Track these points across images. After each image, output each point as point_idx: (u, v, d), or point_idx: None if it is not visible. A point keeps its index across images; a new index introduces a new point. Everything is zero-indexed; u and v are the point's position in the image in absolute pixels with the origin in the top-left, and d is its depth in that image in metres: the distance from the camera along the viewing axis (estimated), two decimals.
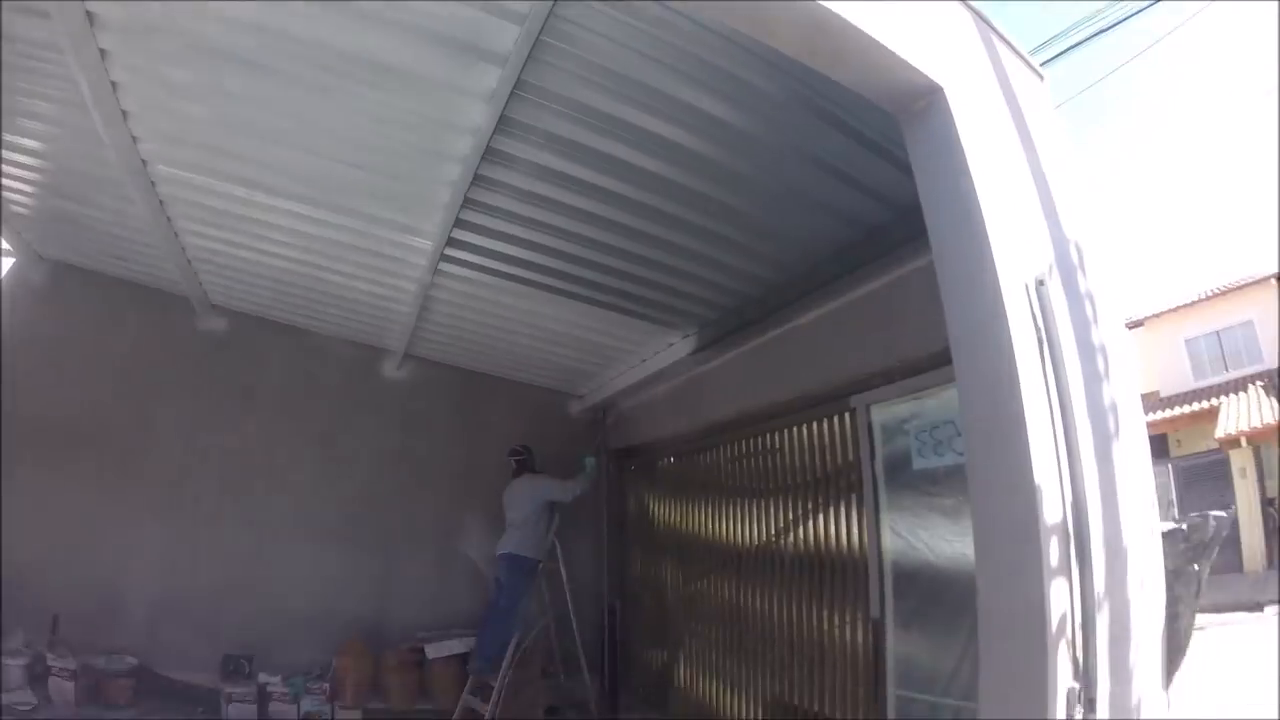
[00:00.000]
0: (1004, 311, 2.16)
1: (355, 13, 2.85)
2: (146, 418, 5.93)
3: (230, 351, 6.36)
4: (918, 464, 3.76)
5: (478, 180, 3.76)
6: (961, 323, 2.31)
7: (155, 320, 6.15)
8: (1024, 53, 3.06)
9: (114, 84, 3.44)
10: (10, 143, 4.26)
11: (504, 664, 5.59)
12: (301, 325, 6.52)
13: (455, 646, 6.09)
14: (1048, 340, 2.25)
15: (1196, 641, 3.03)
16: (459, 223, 4.21)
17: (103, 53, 3.21)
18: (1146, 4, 5.27)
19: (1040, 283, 2.32)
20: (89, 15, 2.99)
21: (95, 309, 6.02)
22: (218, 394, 6.21)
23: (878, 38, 2.25)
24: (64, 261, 6.00)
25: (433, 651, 6.05)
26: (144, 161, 4.09)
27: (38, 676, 4.92)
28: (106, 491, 5.62)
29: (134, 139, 3.88)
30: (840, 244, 4.04)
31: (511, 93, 3.09)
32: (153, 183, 4.31)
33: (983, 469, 2.23)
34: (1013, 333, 2.15)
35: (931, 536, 3.60)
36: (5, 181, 4.76)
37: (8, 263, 5.91)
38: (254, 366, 6.40)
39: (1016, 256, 2.30)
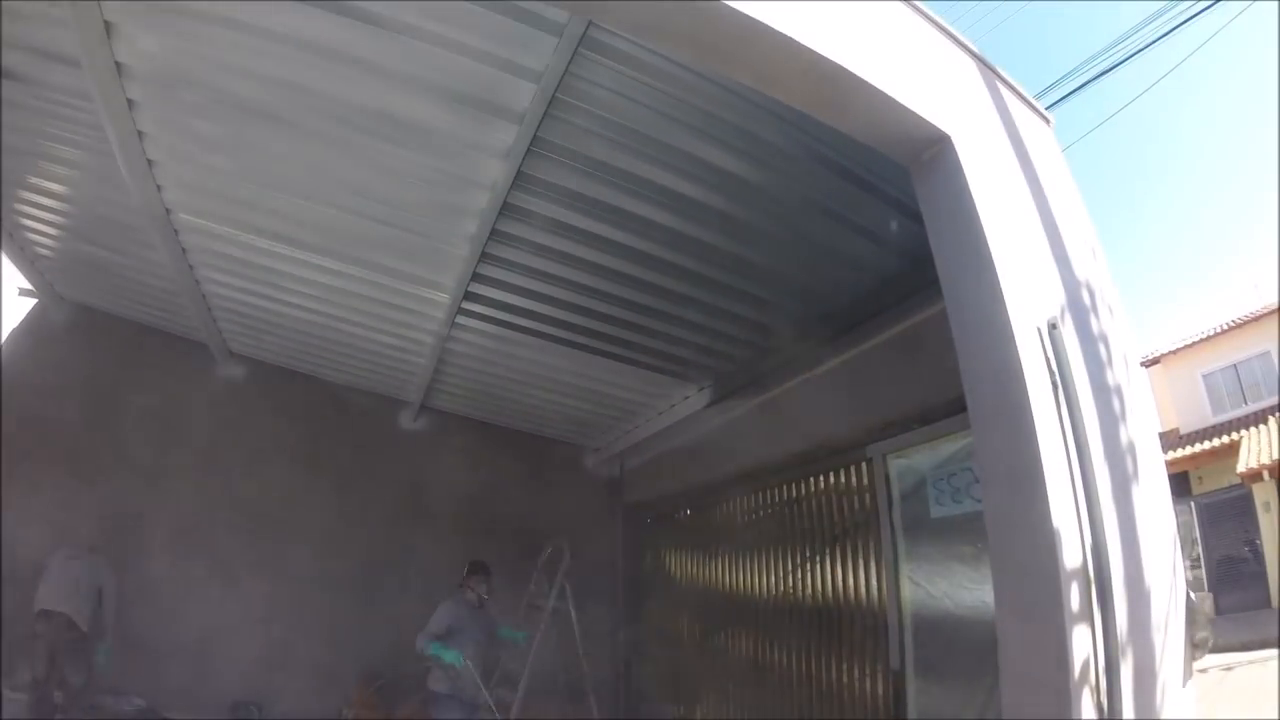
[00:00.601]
0: (1018, 356, 2.17)
1: (377, 71, 2.94)
2: (163, 461, 5.96)
3: (248, 400, 6.40)
4: (935, 512, 3.72)
5: (495, 235, 3.82)
6: (976, 369, 2.32)
7: (174, 366, 6.21)
8: (1029, 97, 3.10)
9: (140, 133, 3.52)
10: (36, 185, 4.36)
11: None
12: (319, 375, 6.56)
13: None
14: (1062, 383, 2.25)
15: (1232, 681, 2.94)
16: (476, 276, 4.27)
17: (130, 103, 3.30)
18: (1151, 41, 5.40)
19: (1053, 326, 2.33)
20: (118, 66, 3.07)
21: (115, 352, 6.09)
22: (235, 441, 6.23)
23: (884, 89, 2.30)
24: (85, 304, 6.08)
25: None
26: (167, 210, 4.18)
27: (44, 714, 4.86)
28: (120, 533, 5.61)
29: (158, 187, 3.97)
30: (853, 294, 4.06)
31: (528, 149, 3.16)
32: (175, 231, 4.39)
33: (1001, 515, 2.22)
34: (1027, 377, 2.15)
35: (951, 585, 3.55)
36: (29, 223, 4.86)
37: (30, 303, 6.01)
38: (271, 415, 6.43)
39: (1028, 301, 2.32)
